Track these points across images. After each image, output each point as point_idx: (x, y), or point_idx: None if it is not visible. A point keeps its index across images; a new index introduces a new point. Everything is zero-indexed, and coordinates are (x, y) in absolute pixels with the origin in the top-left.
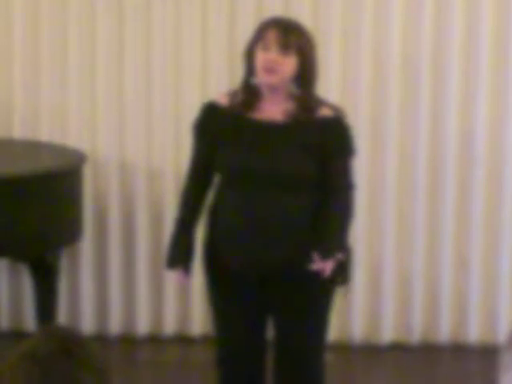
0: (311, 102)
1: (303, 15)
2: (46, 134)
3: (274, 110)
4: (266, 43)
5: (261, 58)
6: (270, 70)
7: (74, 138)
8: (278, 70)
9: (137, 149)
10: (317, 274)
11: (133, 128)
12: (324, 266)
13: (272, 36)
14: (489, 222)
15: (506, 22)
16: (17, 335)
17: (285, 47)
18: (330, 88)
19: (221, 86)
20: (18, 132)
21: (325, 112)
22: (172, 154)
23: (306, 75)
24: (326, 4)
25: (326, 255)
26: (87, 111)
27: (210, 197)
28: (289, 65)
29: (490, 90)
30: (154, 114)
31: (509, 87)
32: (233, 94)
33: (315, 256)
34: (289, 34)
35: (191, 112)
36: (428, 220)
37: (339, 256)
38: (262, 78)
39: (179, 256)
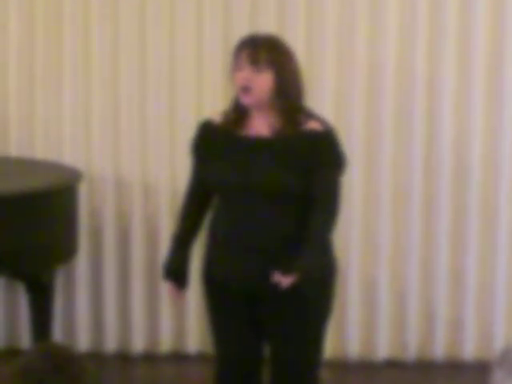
0: (296, 116)
1: (297, 34)
2: (41, 151)
3: (261, 125)
4: (239, 63)
5: (236, 78)
6: (244, 89)
7: (69, 155)
8: (252, 88)
9: (132, 166)
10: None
11: (128, 145)
12: (282, 280)
13: (244, 55)
14: (484, 237)
15: (500, 37)
16: (12, 353)
17: (255, 63)
18: (323, 105)
19: (216, 102)
20: (14, 149)
21: (313, 126)
22: (167, 171)
23: (285, 89)
24: (320, 22)
25: (285, 272)
26: (82, 128)
27: (208, 213)
28: (263, 81)
29: (484, 103)
30: (149, 130)
31: (503, 101)
32: (225, 113)
33: (276, 271)
34: (258, 50)
35: (186, 129)
36: (423, 236)
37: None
38: (240, 99)
39: (171, 270)
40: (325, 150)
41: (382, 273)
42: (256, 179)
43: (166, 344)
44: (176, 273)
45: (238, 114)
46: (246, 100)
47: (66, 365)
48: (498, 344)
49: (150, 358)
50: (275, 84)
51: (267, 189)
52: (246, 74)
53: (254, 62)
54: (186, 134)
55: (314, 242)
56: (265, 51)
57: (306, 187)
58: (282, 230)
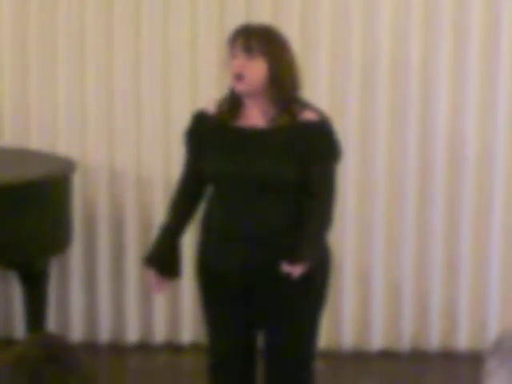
0: (291, 106)
1: (292, 26)
2: (35, 141)
3: (256, 116)
4: (234, 51)
5: (231, 66)
6: (238, 77)
7: (63, 146)
8: (245, 75)
9: (126, 157)
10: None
11: (122, 136)
12: (292, 270)
13: (238, 43)
14: (478, 229)
15: (494, 29)
16: (6, 343)
17: (248, 50)
18: (318, 95)
19: (210, 95)
20: (8, 140)
21: (308, 116)
22: (161, 162)
23: (278, 79)
24: (315, 13)
25: (294, 261)
26: (77, 119)
27: (200, 204)
28: (256, 68)
29: (479, 93)
30: (144, 122)
31: (497, 92)
32: (219, 103)
33: (283, 262)
34: (251, 38)
35: (181, 120)
36: (417, 227)
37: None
38: (233, 87)
39: (153, 258)
40: (320, 140)
41: (377, 264)
42: (251, 170)
43: (159, 334)
44: (159, 261)
45: (233, 103)
46: (239, 87)
47: (61, 354)
48: (492, 334)
49: (144, 348)
50: (269, 73)
51: (262, 179)
52: (239, 61)
53: (248, 49)
54: (181, 125)
55: (314, 232)
56: (258, 39)
57: (301, 177)
58: (279, 220)
